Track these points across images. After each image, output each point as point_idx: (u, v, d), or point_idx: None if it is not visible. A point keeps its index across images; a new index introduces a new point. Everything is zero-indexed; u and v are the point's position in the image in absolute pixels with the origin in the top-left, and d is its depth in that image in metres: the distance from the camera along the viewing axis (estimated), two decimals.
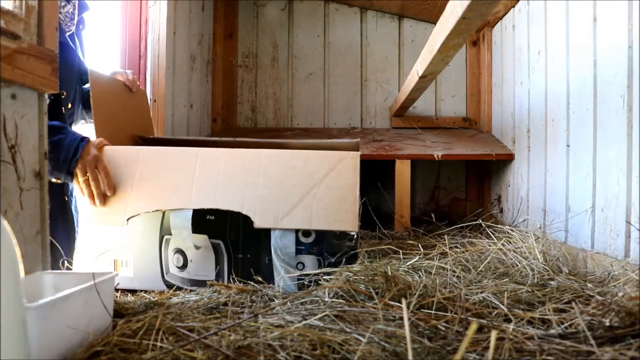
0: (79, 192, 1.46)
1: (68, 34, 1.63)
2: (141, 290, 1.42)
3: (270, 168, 1.45)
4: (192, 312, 1.07)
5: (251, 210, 1.41)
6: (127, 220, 1.42)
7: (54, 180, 1.47)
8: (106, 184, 1.43)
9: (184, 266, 1.42)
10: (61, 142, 1.42)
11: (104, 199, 1.44)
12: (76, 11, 1.65)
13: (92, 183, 1.43)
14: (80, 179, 1.43)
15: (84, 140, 1.45)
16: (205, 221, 1.41)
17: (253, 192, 1.42)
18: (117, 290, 1.40)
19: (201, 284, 1.41)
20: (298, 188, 1.43)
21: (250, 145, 1.73)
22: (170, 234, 1.42)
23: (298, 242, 1.39)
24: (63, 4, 1.60)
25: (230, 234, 1.42)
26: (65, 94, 1.60)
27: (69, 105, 1.63)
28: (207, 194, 1.43)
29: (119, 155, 1.47)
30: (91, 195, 1.44)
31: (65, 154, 1.42)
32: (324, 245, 1.38)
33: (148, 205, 1.43)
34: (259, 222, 1.40)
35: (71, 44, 1.62)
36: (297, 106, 3.32)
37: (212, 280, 1.40)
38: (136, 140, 1.77)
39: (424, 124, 3.21)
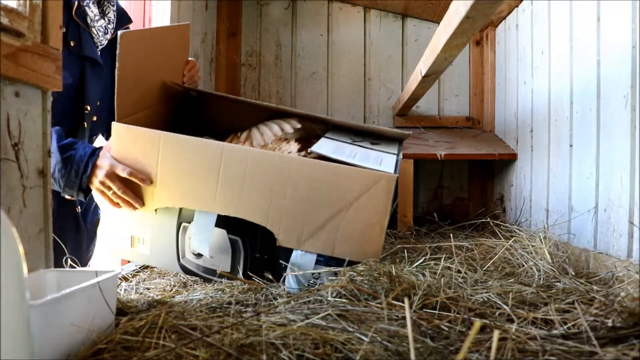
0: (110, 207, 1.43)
1: (100, 48, 1.61)
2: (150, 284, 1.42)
3: (299, 178, 1.31)
4: (195, 311, 1.07)
5: (275, 225, 1.33)
6: (155, 210, 1.40)
7: (67, 197, 1.44)
8: (131, 199, 1.38)
9: (200, 255, 1.42)
10: (71, 158, 1.38)
11: (137, 204, 1.40)
12: (110, 25, 1.63)
13: (120, 198, 1.38)
14: (107, 196, 1.39)
15: (94, 154, 1.40)
16: (225, 216, 1.37)
17: (279, 203, 1.33)
18: (131, 278, 1.40)
19: (215, 273, 1.42)
20: (326, 207, 1.31)
21: (286, 112, 1.64)
22: (189, 222, 1.40)
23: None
24: (97, 18, 1.58)
25: (250, 233, 1.39)
26: (89, 108, 1.58)
27: (94, 118, 1.62)
28: (232, 198, 1.34)
29: (138, 138, 1.36)
30: (127, 204, 1.40)
31: (75, 171, 1.38)
32: (343, 261, 1.34)
33: (173, 200, 1.38)
34: (282, 240, 1.34)
35: (99, 61, 1.59)
36: (301, 105, 3.32)
37: (222, 271, 1.41)
38: (167, 87, 1.62)
39: (427, 123, 3.21)
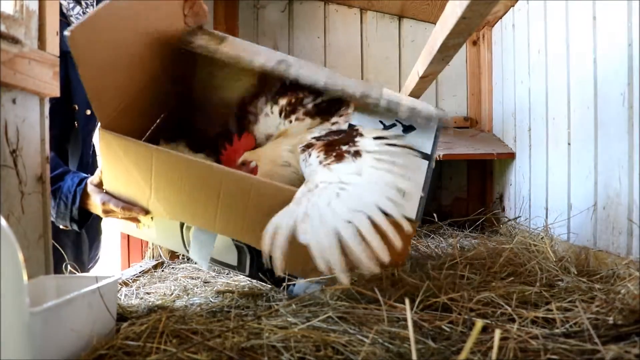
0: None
1: None
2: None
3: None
4: (196, 315, 1.07)
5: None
6: (152, 218, 1.36)
7: (62, 227, 1.43)
8: (135, 213, 1.32)
9: None
10: (59, 190, 1.37)
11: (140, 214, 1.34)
12: (90, 9, 1.52)
13: (120, 217, 1.35)
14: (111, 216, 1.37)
15: (82, 183, 1.37)
16: None
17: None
18: (131, 283, 1.39)
19: (222, 264, 1.39)
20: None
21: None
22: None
23: None
24: (72, 5, 1.49)
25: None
26: (77, 107, 1.53)
27: (87, 112, 1.58)
28: (234, 223, 1.24)
29: (128, 149, 1.22)
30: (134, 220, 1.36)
31: (64, 202, 1.37)
32: None
33: (169, 213, 1.31)
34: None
35: None
36: None
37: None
38: (155, 54, 1.35)
39: None
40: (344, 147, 1.20)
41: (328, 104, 1.38)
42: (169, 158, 1.21)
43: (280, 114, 1.40)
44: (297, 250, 1.18)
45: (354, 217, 1.00)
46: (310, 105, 1.39)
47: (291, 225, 1.02)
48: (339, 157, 1.18)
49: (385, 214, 1.01)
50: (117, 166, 1.27)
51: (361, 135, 1.25)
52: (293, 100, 1.41)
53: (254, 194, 1.19)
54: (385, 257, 0.96)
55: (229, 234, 1.30)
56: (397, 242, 0.97)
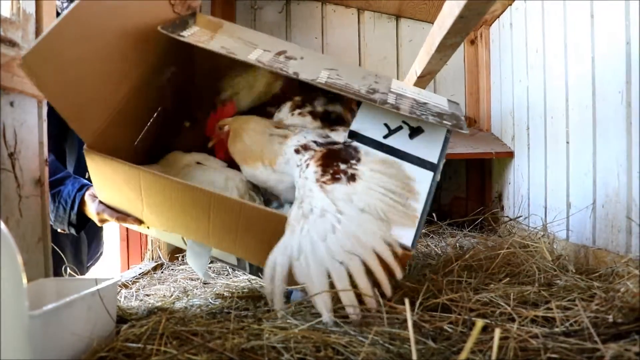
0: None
1: None
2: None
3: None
4: (196, 317, 1.07)
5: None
6: (148, 227, 1.36)
7: (60, 230, 1.44)
8: (130, 222, 1.33)
9: None
10: (59, 194, 1.38)
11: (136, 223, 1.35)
12: None
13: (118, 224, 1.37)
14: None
15: (81, 189, 1.38)
16: None
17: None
18: (131, 285, 1.39)
19: (223, 262, 1.42)
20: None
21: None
22: None
23: None
24: (65, 5, 1.47)
25: None
26: None
27: None
28: (227, 238, 1.22)
29: (116, 169, 1.16)
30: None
31: (63, 207, 1.38)
32: None
33: (163, 225, 1.30)
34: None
35: None
36: None
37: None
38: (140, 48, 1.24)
39: None
40: (342, 166, 1.16)
41: (337, 117, 1.40)
42: (155, 179, 1.16)
43: (290, 109, 1.40)
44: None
45: (347, 259, 0.98)
46: (319, 108, 1.39)
47: (287, 264, 1.00)
48: (335, 176, 1.14)
49: (380, 257, 0.99)
50: (107, 182, 1.25)
51: (359, 160, 1.19)
52: (305, 98, 1.42)
53: (243, 214, 1.15)
54: (371, 303, 0.97)
55: (224, 249, 1.30)
56: (387, 289, 0.97)
